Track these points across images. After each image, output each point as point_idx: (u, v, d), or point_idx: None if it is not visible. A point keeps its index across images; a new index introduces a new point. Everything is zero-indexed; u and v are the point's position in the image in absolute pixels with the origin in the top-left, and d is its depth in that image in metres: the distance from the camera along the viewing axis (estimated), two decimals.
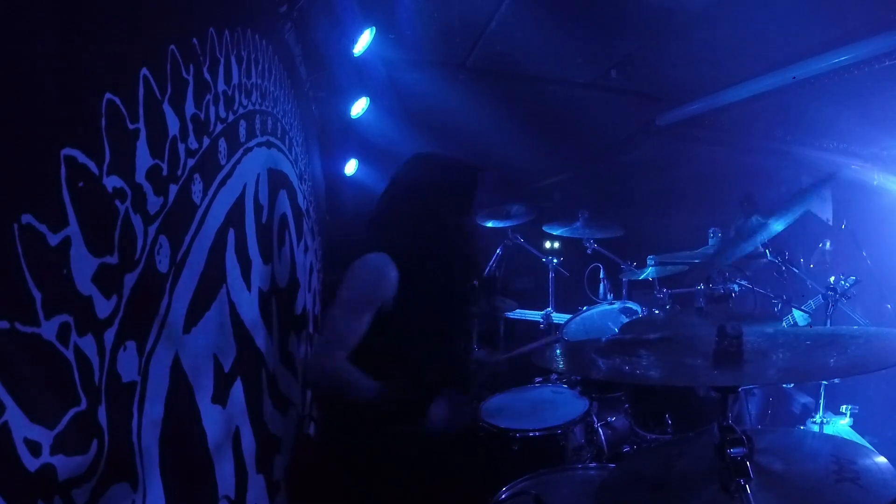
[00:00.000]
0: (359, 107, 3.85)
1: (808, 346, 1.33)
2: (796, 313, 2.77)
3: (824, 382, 2.46)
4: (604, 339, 1.78)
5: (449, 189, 2.23)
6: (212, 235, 1.54)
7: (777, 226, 2.20)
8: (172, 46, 1.29)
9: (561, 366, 1.62)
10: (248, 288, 1.90)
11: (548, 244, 5.33)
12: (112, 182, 1.01)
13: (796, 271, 2.66)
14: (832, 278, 2.52)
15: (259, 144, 2.12)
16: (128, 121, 1.07)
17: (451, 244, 2.21)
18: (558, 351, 1.78)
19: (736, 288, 3.00)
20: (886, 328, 1.40)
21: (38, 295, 0.80)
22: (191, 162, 1.38)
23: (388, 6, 3.25)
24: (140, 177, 1.11)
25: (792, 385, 2.65)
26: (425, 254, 2.12)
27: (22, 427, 0.76)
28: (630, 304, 3.58)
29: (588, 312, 3.67)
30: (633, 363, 1.37)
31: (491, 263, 4.19)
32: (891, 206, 4.75)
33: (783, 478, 1.18)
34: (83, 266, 0.92)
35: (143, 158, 1.13)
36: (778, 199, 2.23)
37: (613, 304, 3.64)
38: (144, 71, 1.15)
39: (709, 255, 2.77)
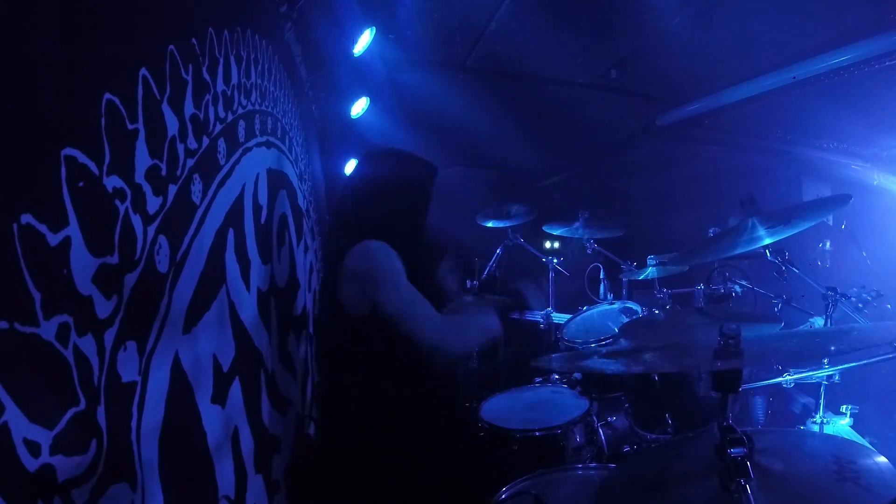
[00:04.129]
0: (359, 107, 3.85)
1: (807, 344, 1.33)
2: (817, 321, 2.75)
3: (824, 382, 2.45)
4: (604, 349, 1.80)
5: (409, 183, 2.29)
6: (211, 235, 1.54)
7: (768, 239, 2.19)
8: (171, 46, 1.29)
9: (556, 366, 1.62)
10: (248, 288, 1.90)
11: (548, 244, 5.33)
12: (112, 182, 1.01)
13: (796, 271, 2.66)
14: (855, 289, 2.51)
15: (258, 144, 2.12)
16: (127, 121, 1.07)
17: (417, 236, 2.28)
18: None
19: (736, 288, 3.01)
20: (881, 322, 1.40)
21: (37, 295, 0.80)
22: (190, 162, 1.38)
23: (388, 6, 3.25)
24: (139, 177, 1.11)
25: (792, 385, 2.64)
26: (400, 244, 2.14)
27: (21, 427, 0.76)
28: (630, 304, 3.59)
29: (588, 312, 3.67)
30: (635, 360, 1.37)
31: (491, 263, 4.19)
32: (891, 206, 4.75)
33: (783, 478, 1.18)
34: (83, 266, 0.92)
35: (143, 158, 1.13)
36: (781, 212, 2.20)
37: (613, 304, 3.64)
38: (143, 71, 1.15)
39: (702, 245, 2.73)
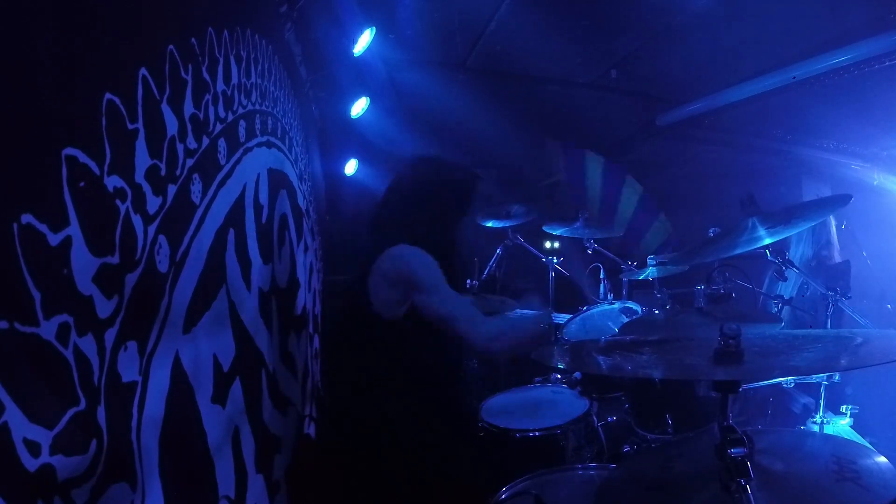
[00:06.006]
0: (359, 107, 3.85)
1: (809, 347, 1.33)
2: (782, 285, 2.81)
3: (825, 382, 2.45)
4: (603, 339, 1.80)
5: (452, 190, 2.33)
6: (211, 235, 1.54)
7: (768, 239, 2.19)
8: (171, 46, 1.29)
9: (562, 364, 1.62)
10: (248, 288, 1.90)
11: (548, 244, 5.33)
12: (113, 182, 1.01)
13: (797, 271, 2.66)
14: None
15: (259, 144, 2.12)
16: (127, 121, 1.07)
17: (455, 243, 2.31)
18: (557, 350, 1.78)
19: (736, 288, 3.00)
20: (886, 329, 1.41)
21: (37, 295, 0.80)
22: (190, 162, 1.38)
23: (388, 6, 3.26)
24: (139, 177, 1.11)
25: (792, 385, 2.64)
26: (437, 250, 2.17)
27: (21, 427, 0.76)
28: (630, 304, 3.58)
29: (588, 312, 3.67)
30: (634, 361, 1.37)
31: (491, 263, 4.18)
32: (891, 206, 4.75)
33: (783, 478, 1.18)
34: (84, 266, 0.92)
35: (142, 158, 1.13)
36: (781, 212, 2.21)
37: (613, 304, 3.64)
38: (143, 71, 1.15)
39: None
